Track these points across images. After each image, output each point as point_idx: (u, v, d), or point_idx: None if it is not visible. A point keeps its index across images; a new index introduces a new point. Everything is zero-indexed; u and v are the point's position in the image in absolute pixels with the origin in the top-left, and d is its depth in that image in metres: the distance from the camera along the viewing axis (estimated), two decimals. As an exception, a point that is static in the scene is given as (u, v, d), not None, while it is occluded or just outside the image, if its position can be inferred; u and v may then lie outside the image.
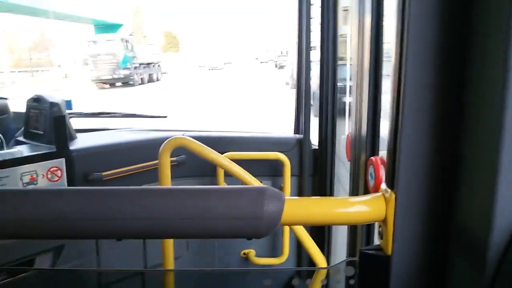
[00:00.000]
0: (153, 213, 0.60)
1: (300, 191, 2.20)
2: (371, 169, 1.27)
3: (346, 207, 0.65)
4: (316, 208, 0.65)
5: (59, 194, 0.64)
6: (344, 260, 0.74)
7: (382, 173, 1.21)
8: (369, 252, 0.66)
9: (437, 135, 0.61)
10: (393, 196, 0.62)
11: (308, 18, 2.13)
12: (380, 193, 0.66)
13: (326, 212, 0.64)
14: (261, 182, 1.98)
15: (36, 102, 1.98)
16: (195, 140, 1.52)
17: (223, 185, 2.20)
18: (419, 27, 0.58)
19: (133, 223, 0.60)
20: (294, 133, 2.37)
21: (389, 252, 0.64)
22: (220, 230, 0.61)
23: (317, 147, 2.19)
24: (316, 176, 2.20)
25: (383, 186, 0.66)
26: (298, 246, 2.25)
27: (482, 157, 0.56)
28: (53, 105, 1.90)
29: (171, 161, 1.70)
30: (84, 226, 0.61)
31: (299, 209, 0.64)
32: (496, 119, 0.52)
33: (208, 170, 2.13)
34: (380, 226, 0.67)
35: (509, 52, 0.50)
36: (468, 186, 0.59)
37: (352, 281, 0.71)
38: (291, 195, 2.14)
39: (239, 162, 1.83)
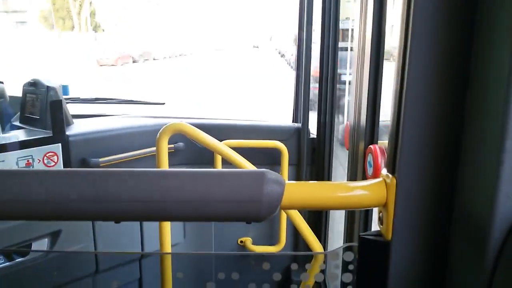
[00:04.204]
0: (152, 195, 0.59)
1: (298, 180, 2.20)
2: (369, 158, 1.26)
3: (346, 192, 0.65)
4: (316, 192, 0.64)
5: (56, 175, 0.63)
6: (342, 246, 0.74)
7: (381, 161, 1.20)
8: (369, 237, 0.66)
9: (439, 120, 0.60)
10: (394, 181, 0.62)
11: (310, 4, 2.10)
12: (381, 178, 0.65)
13: (327, 196, 0.63)
14: None
15: (33, 86, 1.96)
16: (193, 127, 1.50)
17: None
18: (424, 15, 0.57)
19: (131, 205, 0.60)
20: (293, 122, 2.36)
21: (389, 237, 0.63)
22: (220, 213, 0.60)
23: (315, 136, 2.18)
24: (314, 165, 2.20)
25: (384, 171, 0.65)
26: (295, 234, 2.25)
27: (485, 142, 0.55)
28: (50, 89, 1.87)
29: (169, 148, 1.69)
30: (81, 208, 0.60)
31: (299, 193, 0.63)
32: (500, 105, 0.51)
33: (206, 158, 2.12)
34: (380, 212, 0.66)
35: None
36: (470, 171, 0.59)
37: (351, 267, 0.70)
38: None
39: (237, 150, 1.82)
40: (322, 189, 0.65)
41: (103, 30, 35.71)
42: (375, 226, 1.37)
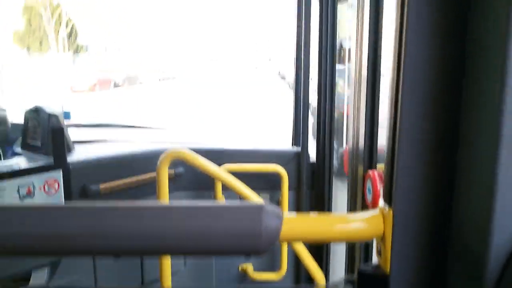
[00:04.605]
0: (150, 230, 0.60)
1: (298, 205, 2.20)
2: (368, 184, 1.27)
3: (344, 224, 0.65)
4: (314, 225, 0.65)
5: (55, 210, 0.64)
6: (342, 279, 0.74)
7: (380, 187, 1.21)
8: (368, 271, 0.66)
9: (435, 152, 0.61)
10: (391, 213, 0.62)
11: (307, 31, 2.14)
12: (378, 210, 0.66)
13: (324, 230, 0.64)
14: (259, 195, 1.98)
15: (35, 113, 1.98)
16: (193, 153, 1.52)
17: (221, 198, 2.20)
18: (416, 45, 0.59)
19: (129, 240, 0.60)
20: (292, 146, 2.38)
21: (388, 270, 0.63)
22: (218, 247, 0.61)
23: (315, 161, 2.19)
24: (314, 190, 2.20)
25: (381, 202, 0.66)
26: (297, 260, 2.24)
27: (480, 174, 0.56)
28: (52, 116, 1.90)
29: (169, 174, 1.70)
30: (81, 244, 0.61)
31: (298, 226, 0.64)
32: (493, 139, 0.52)
33: (206, 183, 2.13)
34: (378, 244, 0.67)
35: (506, 69, 0.50)
36: (466, 203, 0.59)
37: None
38: (289, 209, 2.13)
39: (237, 174, 1.83)
40: (320, 222, 0.66)
41: (87, 52, 31.49)
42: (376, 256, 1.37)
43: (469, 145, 0.59)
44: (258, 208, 0.61)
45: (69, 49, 30.25)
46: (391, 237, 0.62)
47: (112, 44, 34.84)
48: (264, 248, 0.61)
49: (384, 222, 0.64)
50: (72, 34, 30.66)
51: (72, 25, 30.58)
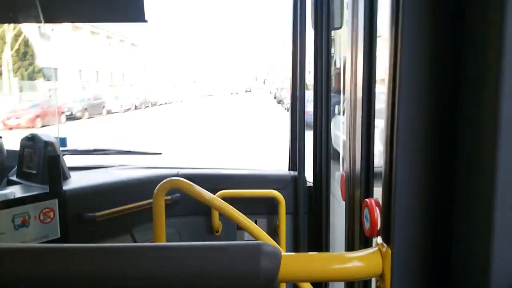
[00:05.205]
0: (146, 273, 0.59)
1: (295, 230, 2.19)
2: (366, 212, 1.26)
3: (342, 264, 0.65)
4: (312, 264, 0.64)
5: (47, 252, 0.63)
6: None
7: (377, 216, 1.21)
8: None
9: (431, 191, 0.61)
10: (389, 251, 0.62)
11: (303, 56, 2.17)
12: (376, 248, 0.65)
13: (323, 269, 0.64)
14: (256, 221, 1.96)
15: (30, 141, 1.98)
16: (189, 182, 1.52)
17: (218, 224, 2.18)
18: (411, 66, 0.60)
19: (125, 283, 0.59)
20: (289, 170, 2.38)
21: None
22: None
23: (312, 185, 2.19)
24: (311, 214, 2.19)
25: (379, 240, 0.66)
26: (295, 286, 2.21)
27: (478, 213, 0.56)
28: (48, 144, 1.90)
29: (166, 200, 1.69)
30: (75, 286, 0.60)
31: (296, 266, 0.64)
32: (491, 181, 0.53)
33: (203, 209, 2.12)
34: (377, 281, 0.66)
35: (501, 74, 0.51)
36: (464, 243, 0.59)
37: None
38: (287, 233, 2.12)
39: (234, 199, 1.82)
40: (318, 261, 0.65)
41: (44, 78, 23.20)
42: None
43: (465, 184, 0.59)
44: (256, 248, 0.61)
45: (16, 73, 22.24)
46: (390, 276, 0.62)
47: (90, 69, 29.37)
48: None
49: (383, 260, 0.63)
50: (26, 54, 22.81)
51: (26, 41, 22.62)
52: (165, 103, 31.47)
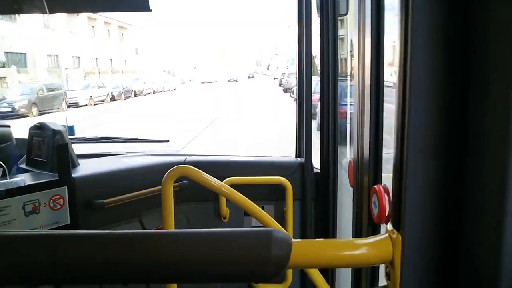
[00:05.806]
0: (158, 259, 0.60)
1: (303, 216, 2.20)
2: (374, 198, 1.27)
3: (353, 250, 0.65)
4: (323, 251, 0.65)
5: (61, 238, 0.64)
6: None
7: (386, 202, 1.21)
8: None
9: (442, 177, 0.61)
10: (400, 238, 0.62)
11: (309, 41, 2.15)
12: (386, 234, 0.66)
13: (333, 255, 0.64)
14: (263, 207, 1.97)
15: (39, 129, 2.00)
16: (197, 169, 1.52)
17: (226, 210, 2.20)
18: (421, 56, 0.59)
19: (137, 268, 0.60)
20: (296, 157, 2.38)
21: None
22: (228, 275, 0.61)
23: (319, 171, 2.19)
24: (318, 200, 2.20)
25: (389, 226, 0.66)
26: (302, 271, 2.23)
27: (489, 197, 0.56)
28: (56, 132, 1.91)
29: (174, 186, 1.70)
30: (88, 272, 0.61)
31: (306, 253, 0.64)
32: (501, 165, 0.52)
33: (211, 195, 2.13)
34: (387, 267, 0.67)
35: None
36: (475, 228, 0.59)
37: None
38: (294, 219, 2.13)
39: (242, 186, 1.82)
40: (329, 247, 0.66)
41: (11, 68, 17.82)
42: (383, 279, 1.35)
43: (478, 169, 0.59)
44: (267, 234, 0.61)
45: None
46: (400, 262, 0.62)
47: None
48: (274, 275, 0.61)
49: (393, 246, 0.64)
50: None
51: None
52: (153, 92, 27.18)
